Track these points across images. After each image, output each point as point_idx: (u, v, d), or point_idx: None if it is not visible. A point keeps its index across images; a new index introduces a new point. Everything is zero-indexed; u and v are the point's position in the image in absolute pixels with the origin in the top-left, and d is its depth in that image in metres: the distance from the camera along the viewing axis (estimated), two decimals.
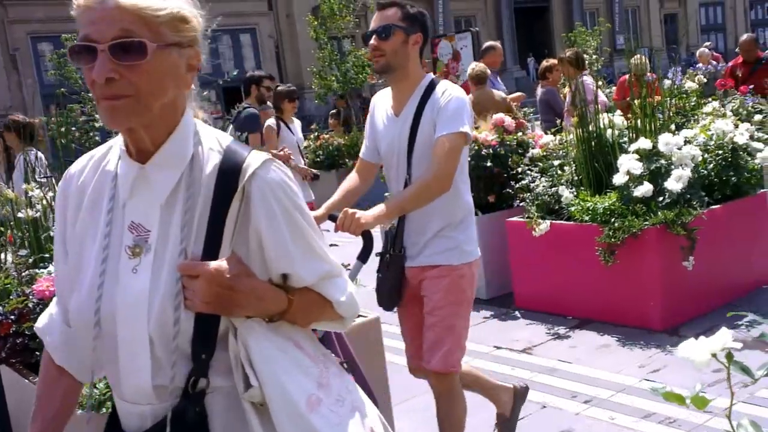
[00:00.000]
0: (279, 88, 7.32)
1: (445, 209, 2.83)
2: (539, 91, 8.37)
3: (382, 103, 3.00)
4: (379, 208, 2.62)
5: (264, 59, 30.75)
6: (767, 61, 8.61)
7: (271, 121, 7.01)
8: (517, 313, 5.33)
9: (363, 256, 2.55)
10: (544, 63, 8.47)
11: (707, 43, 13.01)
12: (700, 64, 11.46)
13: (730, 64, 9.19)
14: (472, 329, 5.09)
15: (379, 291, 3.03)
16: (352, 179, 3.05)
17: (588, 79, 7.39)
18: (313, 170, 7.02)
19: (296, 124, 7.10)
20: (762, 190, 5.18)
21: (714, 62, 12.08)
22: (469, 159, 5.67)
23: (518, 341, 4.76)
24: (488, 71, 7.74)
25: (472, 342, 4.81)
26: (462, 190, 2.88)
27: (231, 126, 6.89)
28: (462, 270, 2.90)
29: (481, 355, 4.58)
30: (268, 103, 7.18)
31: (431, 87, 2.80)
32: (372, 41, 2.79)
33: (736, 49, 9.41)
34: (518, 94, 8.70)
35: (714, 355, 1.24)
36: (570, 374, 4.14)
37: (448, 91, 2.76)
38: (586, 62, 7.99)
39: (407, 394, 4.09)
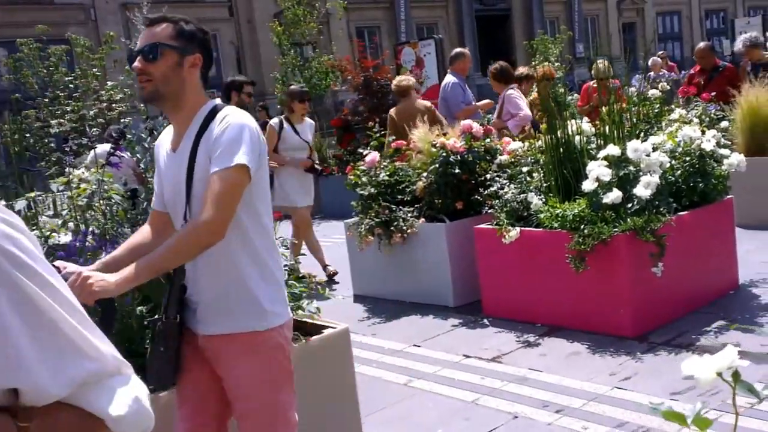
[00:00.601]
0: (292, 87, 7.23)
1: (231, 261, 2.27)
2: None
3: (164, 140, 2.46)
4: (126, 271, 2.12)
5: (225, 65, 30.42)
6: (724, 69, 8.74)
7: (273, 121, 6.95)
8: (485, 320, 5.27)
9: (104, 325, 1.87)
10: (519, 71, 8.49)
11: (660, 52, 13.15)
12: (652, 73, 11.58)
13: (691, 71, 9.29)
14: (440, 337, 5.06)
15: (150, 367, 2.32)
16: (142, 232, 2.47)
17: (514, 93, 7.42)
18: (315, 162, 6.82)
19: (307, 125, 6.93)
20: (728, 197, 5.21)
21: (665, 71, 12.23)
22: (436, 165, 5.71)
23: (487, 349, 4.69)
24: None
25: (440, 351, 4.76)
26: (250, 234, 2.29)
27: None
28: (270, 337, 2.31)
29: (450, 365, 4.50)
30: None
31: (211, 115, 2.29)
32: (136, 63, 2.25)
33: (693, 57, 9.53)
34: (486, 101, 8.66)
35: (719, 374, 1.18)
36: (541, 383, 4.08)
37: (227, 119, 2.25)
38: (521, 74, 8.07)
39: (377, 405, 4.00)
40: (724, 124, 5.93)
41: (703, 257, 5.04)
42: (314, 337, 3.30)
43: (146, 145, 3.56)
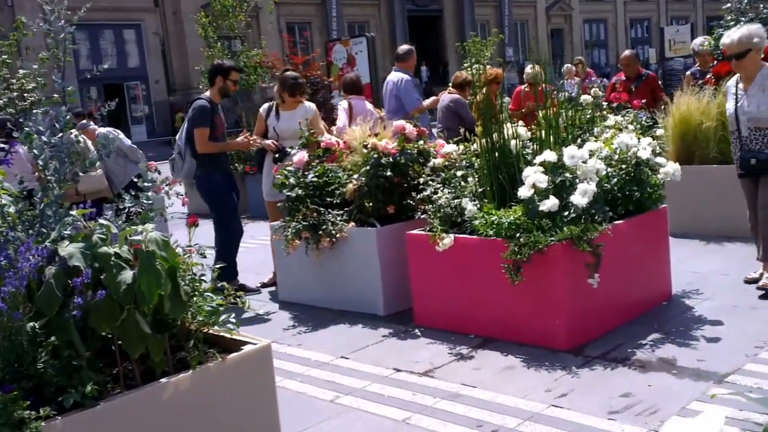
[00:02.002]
0: (288, 72, 6.88)
1: None
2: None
3: None
4: None
5: (149, 57, 29.53)
6: (647, 77, 8.80)
7: (263, 107, 6.69)
8: (417, 331, 5.04)
9: None
10: (463, 75, 8.38)
11: (578, 58, 13.27)
12: (567, 79, 11.63)
13: (613, 79, 9.33)
14: (369, 349, 4.81)
15: None
16: None
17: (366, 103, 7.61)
18: (278, 144, 6.42)
19: (298, 112, 6.54)
20: (663, 206, 5.13)
21: (576, 78, 12.28)
22: (368, 167, 5.46)
23: (419, 363, 4.47)
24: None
25: (369, 364, 4.51)
26: None
27: (186, 119, 6.29)
28: None
29: (380, 379, 4.26)
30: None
31: None
32: None
33: (618, 65, 9.58)
34: (434, 98, 8.49)
35: None
36: (474, 400, 3.88)
37: None
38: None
39: (301, 425, 3.72)
40: (659, 131, 5.89)
41: (637, 267, 4.95)
42: (232, 355, 3.00)
43: (47, 139, 3.17)
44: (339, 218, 5.52)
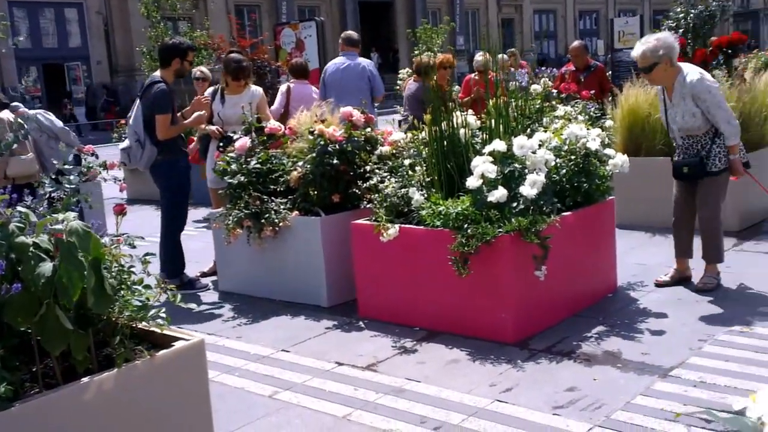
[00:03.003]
0: (231, 55, 6.61)
1: None
2: (412, 86, 8.06)
3: None
4: None
5: (91, 36, 28.66)
6: (595, 69, 8.81)
7: (208, 91, 6.46)
8: (361, 323, 4.92)
9: None
10: (424, 60, 8.23)
11: (510, 50, 13.23)
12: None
13: (562, 69, 9.32)
14: (311, 342, 4.67)
15: None
16: None
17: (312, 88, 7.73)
18: (223, 130, 6.17)
19: (244, 97, 6.28)
20: (610, 197, 5.10)
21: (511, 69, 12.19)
22: (313, 155, 5.30)
23: (362, 356, 4.35)
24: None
25: (310, 357, 4.37)
26: None
27: (138, 103, 5.87)
28: None
29: (322, 374, 4.12)
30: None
31: None
32: None
33: (567, 56, 9.58)
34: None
35: None
36: (418, 395, 3.77)
37: None
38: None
39: (237, 422, 3.57)
40: (608, 123, 5.86)
41: (584, 259, 4.91)
42: (161, 352, 2.83)
43: None
44: (282, 207, 5.35)
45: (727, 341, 4.19)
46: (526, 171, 4.44)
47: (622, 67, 11.09)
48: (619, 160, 4.83)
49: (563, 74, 8.89)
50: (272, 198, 5.43)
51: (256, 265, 5.59)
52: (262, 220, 5.30)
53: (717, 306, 4.77)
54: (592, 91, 7.81)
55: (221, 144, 6.04)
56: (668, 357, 4.02)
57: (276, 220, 5.27)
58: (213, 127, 6.17)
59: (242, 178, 5.49)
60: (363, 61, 8.01)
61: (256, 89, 6.49)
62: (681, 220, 5.20)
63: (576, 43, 9.36)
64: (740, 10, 47.67)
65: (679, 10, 7.36)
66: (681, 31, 7.33)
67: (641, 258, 5.91)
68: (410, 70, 12.88)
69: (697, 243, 5.20)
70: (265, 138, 5.80)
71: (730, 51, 7.18)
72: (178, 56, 5.79)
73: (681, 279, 5.23)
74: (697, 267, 5.25)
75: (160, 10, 12.35)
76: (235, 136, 5.88)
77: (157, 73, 5.88)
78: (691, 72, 4.89)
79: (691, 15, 7.21)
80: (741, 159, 5.00)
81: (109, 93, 28.78)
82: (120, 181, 9.02)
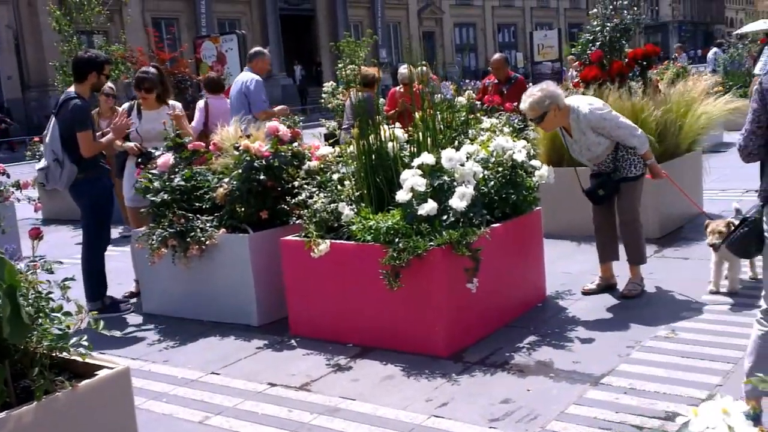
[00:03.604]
0: (142, 69, 6.33)
1: None
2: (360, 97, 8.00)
3: None
4: None
5: (1, 51, 27.55)
6: (516, 81, 8.97)
7: (124, 106, 6.20)
8: (293, 341, 4.82)
9: None
10: (371, 72, 8.21)
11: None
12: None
13: (486, 81, 9.44)
14: (242, 363, 4.55)
15: None
16: None
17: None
18: (141, 146, 5.89)
19: (163, 112, 6.03)
20: (537, 208, 5.17)
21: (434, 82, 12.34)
22: (239, 171, 5.18)
23: (295, 376, 4.25)
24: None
25: (242, 379, 4.24)
26: None
27: (53, 120, 5.55)
28: None
29: (254, 396, 4.01)
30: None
31: None
32: None
33: (488, 68, 9.72)
34: (282, 107, 8.25)
35: None
36: (353, 414, 3.71)
37: None
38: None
39: None
40: (533, 134, 5.95)
41: (514, 270, 4.96)
42: (84, 382, 2.68)
43: None
44: (208, 224, 5.21)
45: (653, 347, 4.29)
46: (455, 183, 4.45)
47: (542, 79, 11.34)
48: (544, 171, 4.90)
49: (486, 86, 9.00)
50: (198, 216, 5.28)
51: (183, 286, 5.42)
52: (188, 239, 5.15)
53: (642, 312, 4.89)
54: (516, 104, 7.92)
55: (140, 161, 5.84)
56: (598, 365, 4.08)
57: (202, 239, 5.13)
58: (131, 144, 5.95)
59: (166, 196, 5.32)
60: (244, 77, 7.87)
61: (175, 104, 6.32)
62: (602, 226, 5.33)
63: (497, 56, 9.50)
64: (651, 23, 49.66)
65: (595, 23, 7.55)
66: (598, 43, 7.52)
67: (568, 267, 6.01)
68: (334, 83, 12.85)
69: (621, 249, 5.33)
70: (189, 154, 5.65)
71: (645, 63, 7.41)
72: (95, 70, 5.56)
73: (607, 286, 5.33)
74: (621, 274, 5.37)
75: (72, 24, 11.94)
76: (157, 153, 5.70)
77: (72, 89, 5.63)
78: (581, 105, 4.98)
79: (607, 28, 7.41)
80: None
81: None
82: (35, 201, 8.64)
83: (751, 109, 2.98)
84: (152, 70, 6.18)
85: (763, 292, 3.13)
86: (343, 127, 8.21)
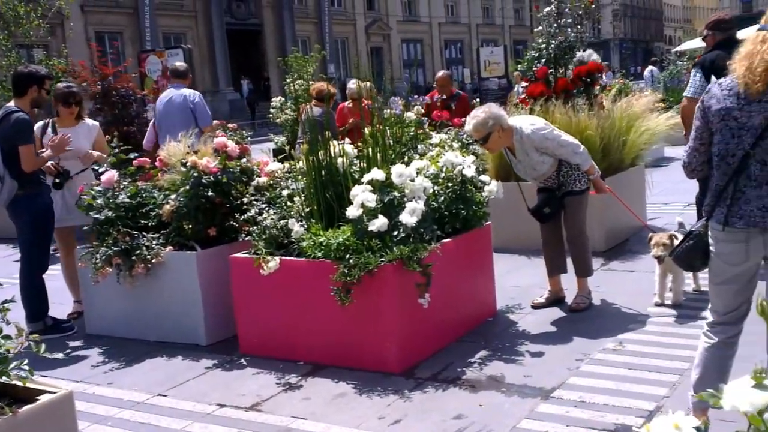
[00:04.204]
0: (58, 85, 6.11)
1: None
2: (316, 111, 7.94)
3: None
4: None
5: None
6: (460, 97, 9.07)
7: (38, 124, 5.91)
8: (243, 360, 4.74)
9: None
10: (324, 87, 8.19)
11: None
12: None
13: (435, 97, 9.51)
14: (190, 383, 4.45)
15: None
16: None
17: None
18: (58, 165, 5.66)
19: (80, 130, 5.87)
20: (486, 223, 5.20)
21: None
22: (187, 187, 5.10)
23: (245, 396, 4.18)
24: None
25: (190, 400, 4.15)
26: None
27: None
28: None
29: (202, 417, 3.92)
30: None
31: None
32: None
33: (434, 84, 9.82)
34: (215, 122, 8.08)
35: None
36: None
37: None
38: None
39: None
40: (481, 150, 5.99)
41: (465, 284, 4.97)
42: (24, 408, 2.58)
43: None
44: (155, 242, 5.11)
45: (601, 359, 4.34)
46: (406, 199, 4.45)
47: (489, 95, 11.49)
48: (493, 186, 4.95)
49: (435, 102, 9.06)
50: (143, 233, 5.17)
51: (128, 305, 5.29)
52: (133, 257, 5.03)
53: (590, 325, 4.95)
54: (464, 119, 7.99)
55: (57, 180, 5.67)
56: (549, 378, 4.11)
57: (148, 257, 5.02)
58: (48, 162, 5.76)
59: (110, 213, 5.20)
60: (186, 92, 7.68)
61: (93, 123, 6.19)
62: (549, 240, 5.39)
63: (443, 73, 9.59)
64: (593, 40, 50.87)
65: (540, 41, 7.68)
66: (543, 60, 7.64)
67: (518, 280, 6.07)
68: (283, 99, 12.79)
69: (569, 262, 5.39)
70: (134, 171, 5.53)
71: (589, 79, 7.55)
72: (35, 84, 5.42)
73: (555, 300, 5.39)
74: (569, 287, 5.43)
75: (11, 38, 11.64)
76: (74, 172, 5.56)
77: (12, 103, 5.47)
78: (524, 126, 5.04)
79: (552, 45, 7.54)
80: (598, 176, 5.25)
81: None
82: None
83: (694, 126, 3.05)
84: (74, 84, 6.10)
85: (708, 305, 3.19)
86: (299, 141, 8.15)
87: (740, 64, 2.80)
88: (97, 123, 6.27)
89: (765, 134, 2.74)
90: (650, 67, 20.28)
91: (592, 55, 7.79)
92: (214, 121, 8.32)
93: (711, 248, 3.05)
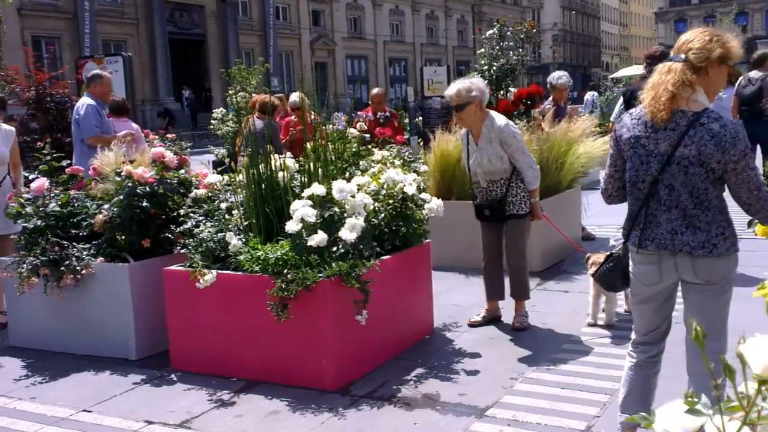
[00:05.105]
0: None
1: None
2: (258, 123, 7.81)
3: None
4: None
5: None
6: (392, 114, 9.16)
7: None
8: (173, 376, 4.62)
9: None
10: (266, 98, 8.08)
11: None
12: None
13: (379, 116, 9.55)
14: (117, 399, 4.31)
15: None
16: None
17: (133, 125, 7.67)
18: None
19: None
20: (426, 241, 5.21)
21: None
22: (121, 197, 4.97)
23: (174, 412, 4.06)
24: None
25: (116, 417, 4.02)
26: None
27: None
28: None
29: None
30: None
31: None
32: None
33: (369, 101, 9.87)
34: (125, 132, 7.73)
35: None
36: None
37: None
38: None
39: None
40: (423, 168, 6.03)
41: (403, 302, 4.97)
42: None
43: None
44: (85, 253, 4.96)
45: (536, 378, 4.38)
46: (346, 215, 4.43)
47: (432, 114, 11.60)
48: (434, 204, 4.96)
49: (378, 119, 9.09)
50: (74, 243, 5.01)
51: (55, 317, 5.11)
52: (62, 268, 4.87)
53: (525, 344, 4.99)
54: (405, 137, 8.05)
55: None
56: (483, 396, 4.12)
57: (78, 267, 4.86)
58: None
59: (39, 222, 5.03)
60: (79, 102, 7.44)
61: (9, 129, 6.01)
62: (492, 262, 5.42)
63: (377, 90, 9.60)
64: (534, 64, 51.98)
65: (483, 62, 7.81)
66: (485, 82, 7.75)
67: (456, 299, 6.09)
68: (224, 110, 12.65)
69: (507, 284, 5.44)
70: (66, 179, 5.37)
71: (529, 102, 7.70)
72: None
73: (492, 319, 5.43)
74: (506, 306, 5.48)
75: None
76: (31, 176, 5.38)
77: None
78: (498, 118, 5.15)
79: (494, 68, 7.67)
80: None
81: None
82: None
83: (609, 154, 3.17)
84: None
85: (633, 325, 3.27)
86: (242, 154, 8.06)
87: (647, 94, 2.93)
88: (12, 129, 6.09)
89: (671, 160, 2.86)
90: (592, 92, 20.74)
91: (561, 78, 7.94)
92: (122, 132, 7.94)
93: (630, 269, 3.15)
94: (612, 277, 3.34)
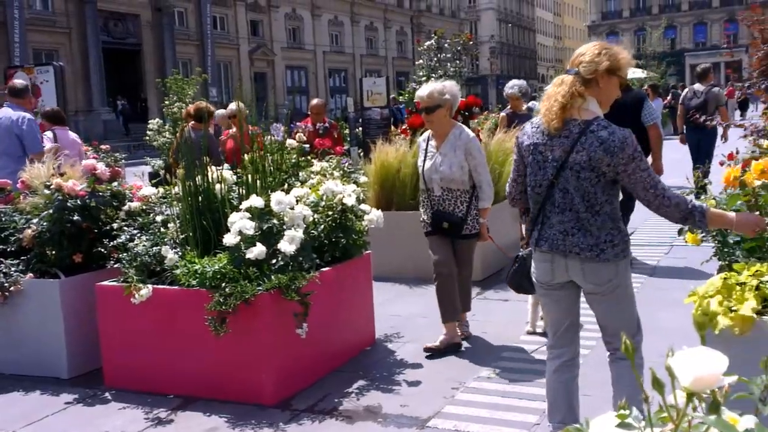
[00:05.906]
0: None
1: None
2: (194, 134, 7.64)
3: None
4: None
5: None
6: (331, 125, 9.17)
7: None
8: (107, 394, 4.49)
9: None
10: (202, 106, 7.94)
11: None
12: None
13: (318, 127, 9.52)
14: (48, 420, 4.16)
15: None
16: None
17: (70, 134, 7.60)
18: None
19: None
20: (367, 252, 5.20)
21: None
22: (50, 211, 4.81)
23: None
24: None
25: None
26: None
27: None
28: None
29: None
30: None
31: None
32: None
33: (308, 112, 9.85)
34: (51, 145, 7.43)
35: None
36: None
37: None
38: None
39: None
40: (363, 179, 6.01)
41: (343, 314, 4.94)
42: None
43: None
44: (14, 269, 4.78)
45: (476, 388, 4.40)
46: (285, 227, 4.39)
47: (372, 125, 11.62)
48: (374, 215, 4.95)
49: (317, 129, 9.05)
50: (1, 259, 4.83)
51: None
52: None
53: (466, 354, 5.02)
54: (346, 148, 8.04)
55: None
56: (425, 407, 4.12)
57: (6, 284, 4.68)
58: None
59: None
60: (15, 115, 6.95)
61: None
62: (450, 279, 5.09)
63: (317, 101, 9.56)
64: (472, 75, 52.70)
65: (421, 73, 7.87)
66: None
67: (398, 310, 6.09)
68: (161, 121, 12.43)
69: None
70: None
71: (467, 113, 7.76)
72: None
73: (451, 345, 5.06)
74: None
75: None
76: None
77: None
78: (466, 130, 5.13)
79: (433, 78, 7.72)
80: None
81: None
82: None
83: (513, 160, 3.34)
84: None
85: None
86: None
87: (543, 104, 3.10)
88: None
89: (565, 165, 3.02)
90: (533, 102, 21.04)
91: (512, 87, 8.05)
92: (50, 145, 7.66)
93: (532, 273, 3.34)
94: (518, 277, 3.62)
